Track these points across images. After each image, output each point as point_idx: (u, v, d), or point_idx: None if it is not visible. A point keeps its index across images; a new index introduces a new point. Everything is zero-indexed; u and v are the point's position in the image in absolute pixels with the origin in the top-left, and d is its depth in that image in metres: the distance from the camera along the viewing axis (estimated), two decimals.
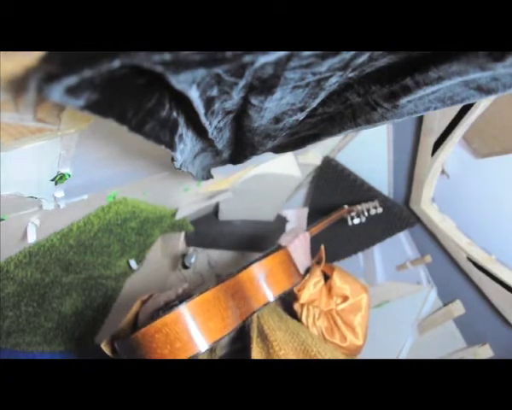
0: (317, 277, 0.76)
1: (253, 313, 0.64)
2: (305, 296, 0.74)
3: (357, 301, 0.75)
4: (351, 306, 0.75)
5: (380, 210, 1.13)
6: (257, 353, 0.61)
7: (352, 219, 1.12)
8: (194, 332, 0.53)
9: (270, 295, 0.67)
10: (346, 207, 1.13)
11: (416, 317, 1.16)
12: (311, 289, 0.74)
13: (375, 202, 1.15)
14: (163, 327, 0.52)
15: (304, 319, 0.73)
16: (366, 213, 1.12)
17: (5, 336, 0.97)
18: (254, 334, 0.64)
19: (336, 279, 0.76)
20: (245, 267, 0.67)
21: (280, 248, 0.78)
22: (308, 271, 0.80)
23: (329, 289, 0.77)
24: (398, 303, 1.24)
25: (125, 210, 0.92)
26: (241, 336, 0.67)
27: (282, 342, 0.62)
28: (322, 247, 0.83)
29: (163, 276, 1.50)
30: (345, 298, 0.76)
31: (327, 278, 0.79)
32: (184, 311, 0.53)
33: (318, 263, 0.81)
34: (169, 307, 0.61)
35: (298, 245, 0.81)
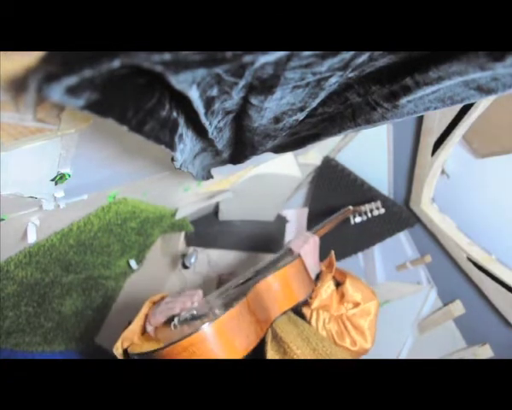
0: (327, 283, 0.76)
1: (271, 323, 0.64)
2: (316, 303, 0.74)
3: (367, 306, 0.75)
4: (361, 311, 0.74)
5: (382, 211, 1.13)
6: (272, 355, 0.60)
7: (355, 217, 1.13)
8: (221, 352, 0.53)
9: (286, 306, 0.67)
10: (350, 207, 1.13)
11: (416, 317, 1.16)
12: (323, 296, 0.74)
13: (378, 203, 1.15)
14: (190, 346, 0.52)
15: (313, 322, 0.73)
16: (369, 214, 1.12)
17: (5, 336, 0.97)
18: (269, 337, 0.63)
19: (349, 287, 0.75)
20: (261, 278, 0.67)
21: (293, 255, 0.77)
22: (318, 277, 0.79)
23: (341, 296, 0.76)
24: (398, 303, 1.24)
25: (125, 210, 0.92)
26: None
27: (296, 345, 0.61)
28: (333, 252, 0.81)
29: (163, 276, 1.50)
30: (356, 304, 0.75)
31: (337, 282, 0.79)
32: (211, 331, 0.53)
33: (328, 268, 0.80)
34: (190, 318, 0.59)
35: (308, 250, 0.80)
